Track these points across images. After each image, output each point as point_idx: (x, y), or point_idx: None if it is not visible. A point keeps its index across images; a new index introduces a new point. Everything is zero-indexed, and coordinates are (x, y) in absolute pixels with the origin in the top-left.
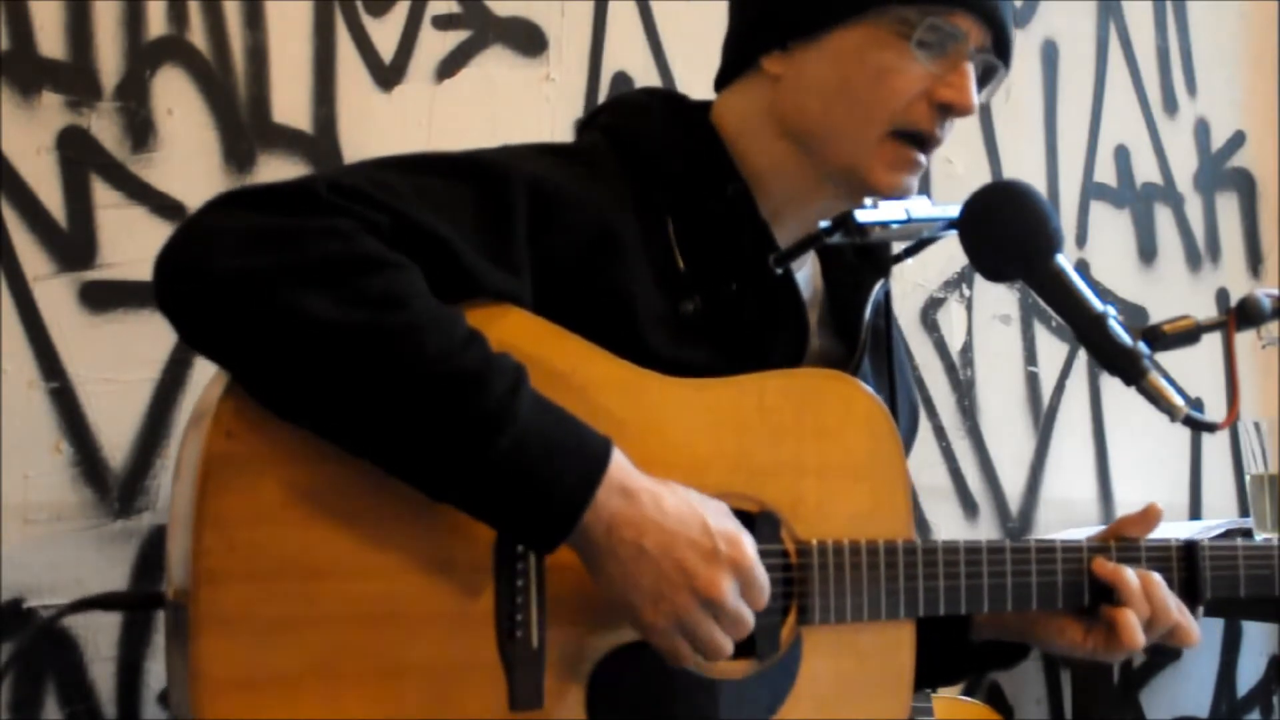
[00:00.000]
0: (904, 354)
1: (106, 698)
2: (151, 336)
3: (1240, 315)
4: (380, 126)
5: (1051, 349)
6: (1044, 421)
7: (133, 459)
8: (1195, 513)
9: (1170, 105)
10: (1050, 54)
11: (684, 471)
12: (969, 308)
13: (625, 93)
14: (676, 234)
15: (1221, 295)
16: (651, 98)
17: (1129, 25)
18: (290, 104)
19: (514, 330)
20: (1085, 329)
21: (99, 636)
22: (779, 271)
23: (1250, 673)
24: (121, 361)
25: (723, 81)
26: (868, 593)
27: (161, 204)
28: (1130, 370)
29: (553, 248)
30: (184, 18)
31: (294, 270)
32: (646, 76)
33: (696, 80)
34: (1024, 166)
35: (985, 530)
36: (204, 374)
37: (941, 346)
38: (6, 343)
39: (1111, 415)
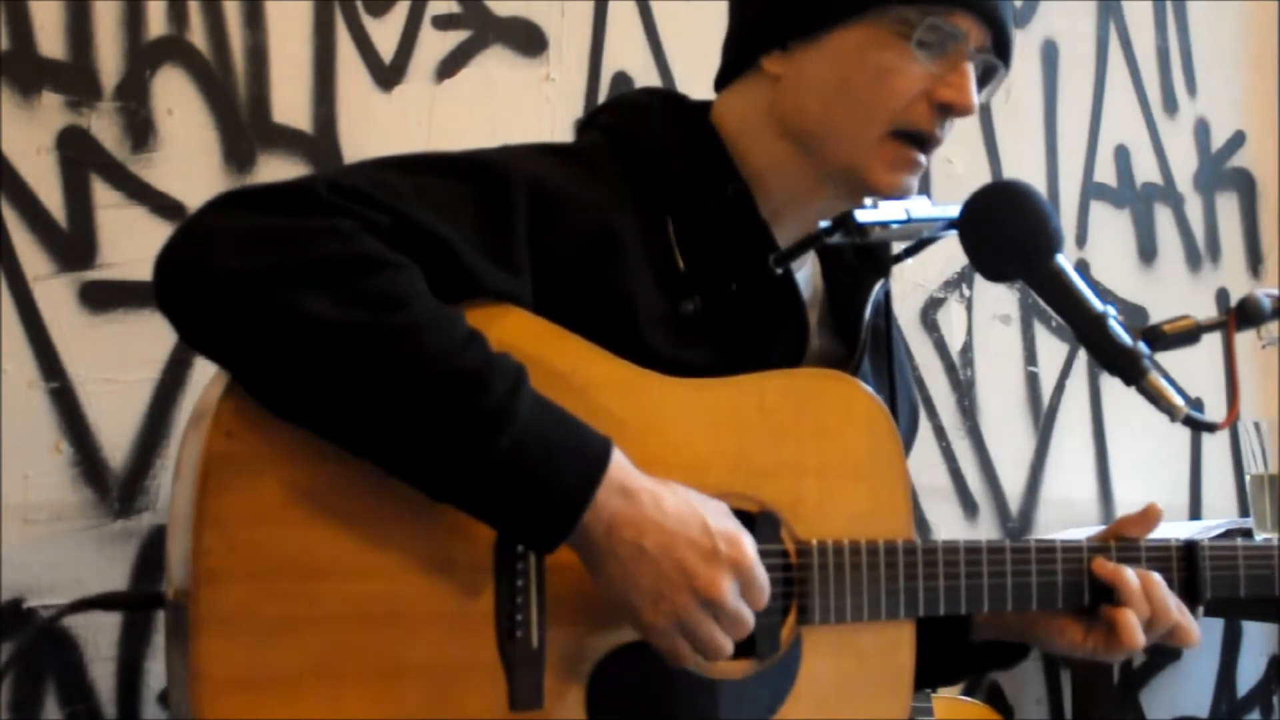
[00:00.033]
0: (904, 354)
1: (106, 698)
2: (151, 336)
3: (1240, 315)
4: (380, 126)
5: (1051, 349)
6: (1044, 421)
7: (133, 459)
8: (1195, 513)
9: (1170, 105)
10: (1050, 54)
11: (684, 471)
12: (969, 308)
13: (625, 93)
14: (676, 234)
15: (1221, 295)
16: (651, 98)
17: (1129, 25)
18: (290, 104)
19: (514, 330)
20: (1085, 329)
21: (99, 636)
22: (779, 271)
23: (1250, 673)
24: (121, 361)
25: (723, 81)
26: (868, 593)
27: (161, 204)
28: (1130, 370)
29: (553, 248)
30: (184, 18)
31: (294, 270)
32: (646, 76)
33: (696, 80)
34: (1024, 166)
35: (985, 530)
36: (204, 374)
37: (941, 346)
38: (6, 343)
39: (1111, 415)
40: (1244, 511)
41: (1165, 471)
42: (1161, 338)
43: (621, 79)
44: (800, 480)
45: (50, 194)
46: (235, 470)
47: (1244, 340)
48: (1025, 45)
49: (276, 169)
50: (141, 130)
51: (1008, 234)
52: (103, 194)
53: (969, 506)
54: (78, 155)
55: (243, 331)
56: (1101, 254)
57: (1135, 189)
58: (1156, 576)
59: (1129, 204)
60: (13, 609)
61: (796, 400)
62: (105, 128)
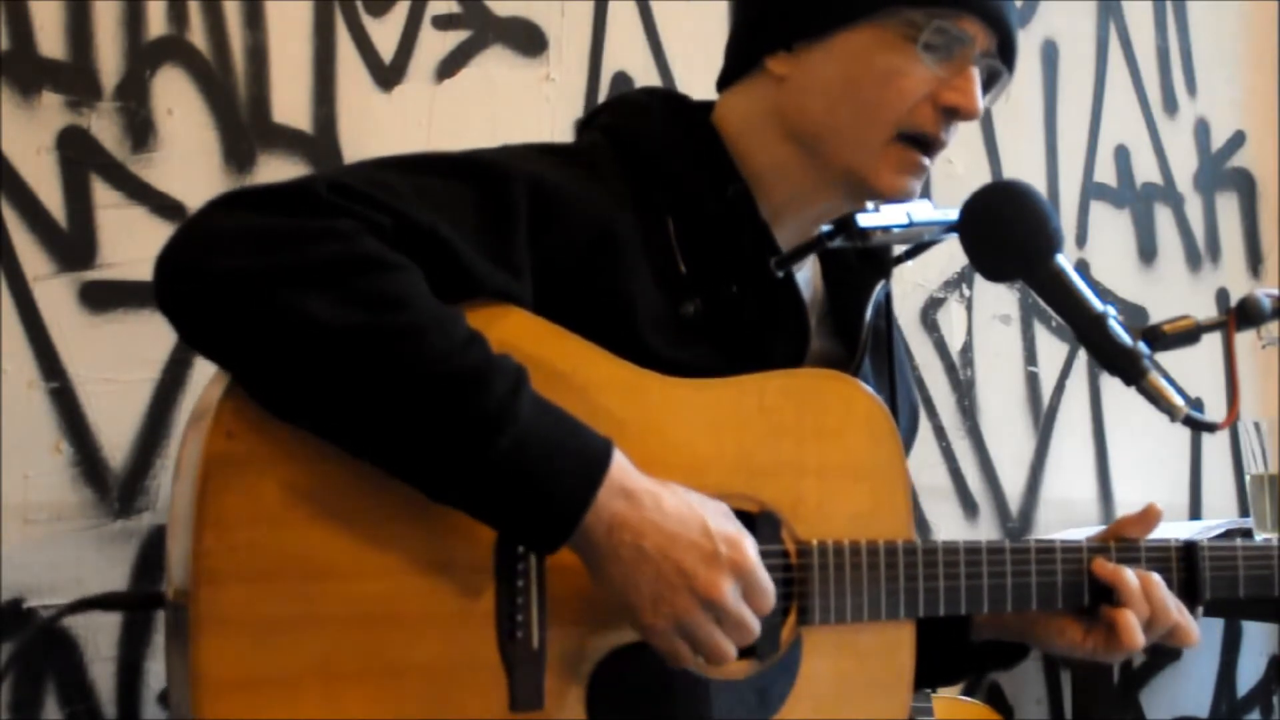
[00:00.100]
0: (904, 355)
1: (106, 698)
2: (151, 336)
3: (1240, 315)
4: (380, 126)
5: (1051, 349)
6: (1044, 421)
7: (133, 459)
8: (1195, 513)
9: (1170, 105)
10: (1050, 54)
11: (684, 472)
12: (969, 308)
13: (625, 93)
14: (677, 234)
15: (1221, 295)
16: (652, 97)
17: (1129, 25)
18: (290, 104)
19: (514, 331)
20: (1085, 329)
21: (99, 636)
22: (779, 274)
23: (1250, 673)
24: (121, 361)
25: (725, 81)
26: (868, 593)
27: (161, 204)
28: (1130, 370)
29: (553, 248)
30: (184, 18)
31: (294, 271)
32: (646, 76)
33: (696, 80)
34: (1024, 166)
35: (985, 530)
36: (204, 374)
37: (941, 346)
38: (6, 343)
39: (1111, 415)
40: (1244, 511)
41: (1165, 471)
42: (1161, 338)
43: (621, 79)
44: (800, 480)
45: (50, 194)
46: (235, 470)
47: (1244, 340)
48: (1025, 45)
49: (276, 169)
50: (141, 130)
51: (1008, 234)
52: (103, 194)
53: (969, 506)
54: (78, 155)
55: (243, 332)
56: (1101, 254)
57: (1135, 189)
58: (1156, 577)
59: (1129, 204)
60: (13, 609)
61: (797, 400)
62: (105, 128)
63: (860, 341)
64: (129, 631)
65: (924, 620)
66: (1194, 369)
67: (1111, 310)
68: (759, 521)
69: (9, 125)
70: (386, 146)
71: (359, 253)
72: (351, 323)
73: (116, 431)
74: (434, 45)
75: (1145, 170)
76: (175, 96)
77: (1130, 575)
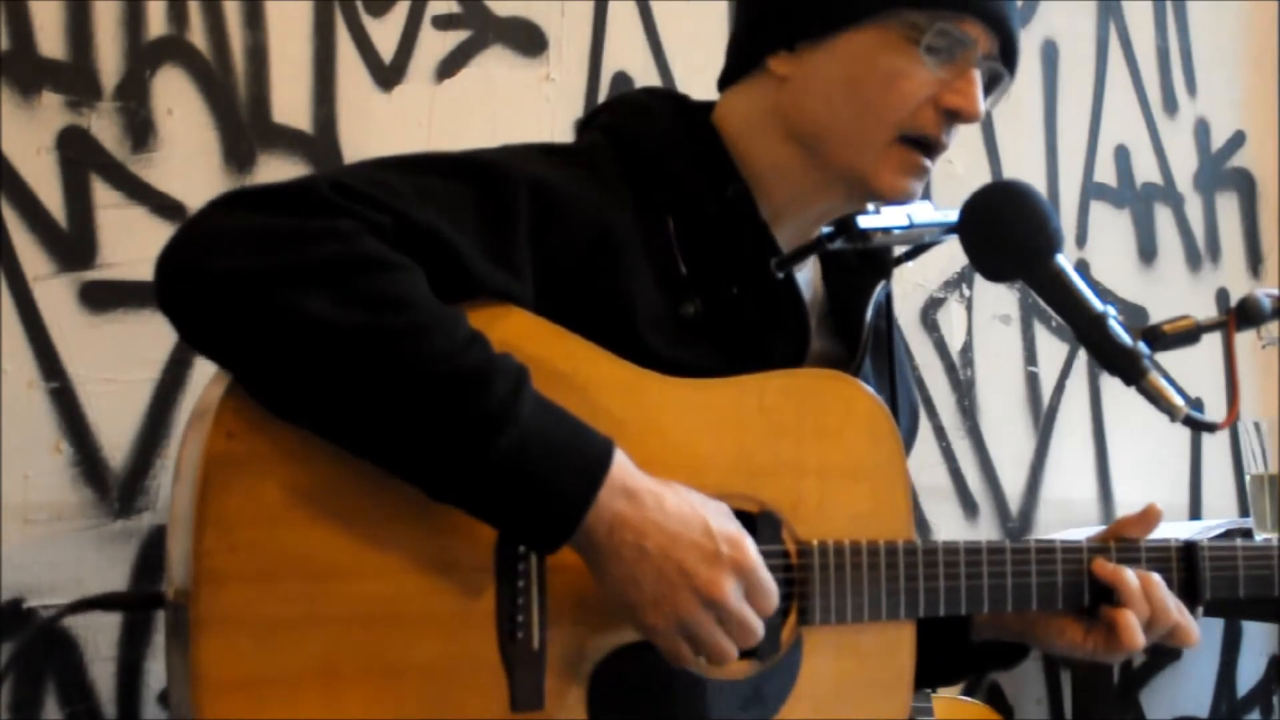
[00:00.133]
0: (904, 355)
1: (106, 698)
2: (151, 336)
3: (1240, 315)
4: (380, 126)
5: (1051, 349)
6: (1044, 421)
7: (133, 459)
8: (1195, 513)
9: (1170, 105)
10: (1050, 54)
11: (685, 472)
12: (969, 308)
13: (626, 93)
14: (677, 234)
15: (1221, 295)
16: (652, 97)
17: (1129, 25)
18: (290, 104)
19: (515, 331)
20: (1085, 329)
21: (99, 636)
22: (780, 275)
23: (1250, 673)
24: (121, 361)
25: (726, 81)
26: (868, 593)
27: (161, 204)
28: (1130, 370)
29: (553, 248)
30: (184, 18)
31: (295, 271)
32: (646, 76)
33: (696, 80)
34: (1024, 166)
35: (985, 530)
36: (204, 374)
37: (941, 346)
38: (6, 343)
39: (1111, 415)
40: (1244, 511)
41: (1165, 471)
42: (1161, 338)
43: (621, 79)
44: (801, 480)
45: (50, 194)
46: (236, 470)
47: (1244, 340)
48: (1025, 45)
49: (276, 169)
50: (141, 130)
51: (1008, 234)
52: (103, 194)
53: (969, 506)
54: (78, 155)
55: (243, 332)
56: (1101, 254)
57: (1135, 189)
58: (1156, 577)
59: (1129, 204)
60: (13, 609)
61: (797, 400)
62: (105, 128)
63: (861, 342)
64: (129, 631)
65: (924, 620)
66: (1194, 369)
67: (1111, 310)
68: (759, 522)
69: (9, 125)
70: (386, 146)
71: (359, 253)
72: (352, 323)
73: (116, 431)
74: (434, 45)
75: (1145, 170)
76: (175, 96)
77: (1130, 575)
